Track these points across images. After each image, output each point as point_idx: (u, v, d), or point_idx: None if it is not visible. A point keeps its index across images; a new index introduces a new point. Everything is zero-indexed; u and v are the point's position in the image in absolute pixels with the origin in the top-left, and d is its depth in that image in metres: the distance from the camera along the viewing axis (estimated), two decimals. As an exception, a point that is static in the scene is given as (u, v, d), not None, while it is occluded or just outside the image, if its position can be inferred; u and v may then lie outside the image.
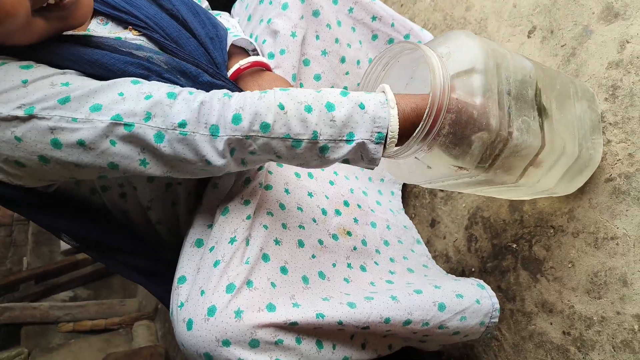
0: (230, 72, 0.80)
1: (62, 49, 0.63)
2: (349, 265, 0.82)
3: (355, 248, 0.85)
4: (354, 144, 0.60)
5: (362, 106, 0.60)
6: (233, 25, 0.90)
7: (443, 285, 0.79)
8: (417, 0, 1.29)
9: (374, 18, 0.99)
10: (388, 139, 0.60)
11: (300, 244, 0.76)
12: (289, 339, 0.63)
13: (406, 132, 0.60)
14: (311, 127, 0.60)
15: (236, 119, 0.59)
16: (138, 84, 0.61)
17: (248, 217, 0.70)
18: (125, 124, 0.58)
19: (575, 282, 0.79)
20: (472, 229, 1.02)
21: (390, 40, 1.02)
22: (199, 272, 0.66)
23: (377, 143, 0.60)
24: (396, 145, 0.62)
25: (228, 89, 0.72)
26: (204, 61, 0.75)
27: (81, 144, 0.57)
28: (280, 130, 0.60)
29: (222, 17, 0.97)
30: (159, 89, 0.61)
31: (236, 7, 1.05)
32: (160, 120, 0.59)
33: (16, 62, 0.59)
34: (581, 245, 0.79)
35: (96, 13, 0.73)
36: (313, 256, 0.77)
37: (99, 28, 0.72)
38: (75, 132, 0.57)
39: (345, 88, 0.99)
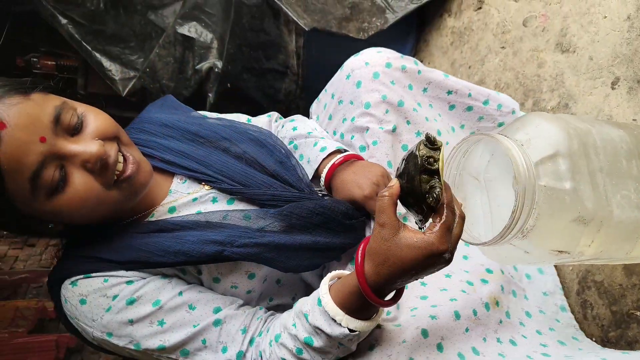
0: (325, 170, 0.87)
1: (148, 245, 0.73)
2: (498, 340, 0.76)
3: (500, 321, 0.79)
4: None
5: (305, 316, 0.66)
6: (313, 128, 0.96)
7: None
8: (485, 61, 1.29)
9: (449, 92, 0.99)
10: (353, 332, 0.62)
11: (457, 315, 0.74)
12: None
13: (360, 304, 0.62)
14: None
15: None
16: (219, 326, 0.73)
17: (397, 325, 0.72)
18: None
19: None
20: (585, 294, 0.95)
21: (469, 108, 1.01)
22: None
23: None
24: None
25: (295, 200, 0.80)
26: (274, 186, 0.82)
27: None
28: None
29: (297, 120, 1.03)
30: (237, 345, 0.72)
31: (313, 107, 1.11)
32: None
33: (121, 289, 0.71)
34: None
35: (177, 175, 0.85)
36: (467, 330, 0.74)
37: (179, 187, 0.84)
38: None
39: None
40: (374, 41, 1.35)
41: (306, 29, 1.23)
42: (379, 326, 0.71)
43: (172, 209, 0.81)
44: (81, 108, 0.70)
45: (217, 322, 0.73)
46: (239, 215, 0.78)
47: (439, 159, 0.55)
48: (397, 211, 0.59)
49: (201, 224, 0.76)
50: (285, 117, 1.07)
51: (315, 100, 1.09)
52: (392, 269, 0.56)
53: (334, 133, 0.99)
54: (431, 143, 0.56)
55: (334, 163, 0.86)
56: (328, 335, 0.63)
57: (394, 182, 0.58)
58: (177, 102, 0.99)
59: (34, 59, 1.73)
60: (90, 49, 1.32)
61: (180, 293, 0.73)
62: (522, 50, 1.16)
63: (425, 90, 0.98)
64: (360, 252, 0.61)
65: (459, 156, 0.73)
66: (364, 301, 0.60)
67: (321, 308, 0.64)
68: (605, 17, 0.94)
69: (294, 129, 1.00)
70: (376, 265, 0.58)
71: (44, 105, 0.64)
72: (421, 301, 0.76)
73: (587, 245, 0.61)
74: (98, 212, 0.70)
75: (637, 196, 0.62)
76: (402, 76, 0.94)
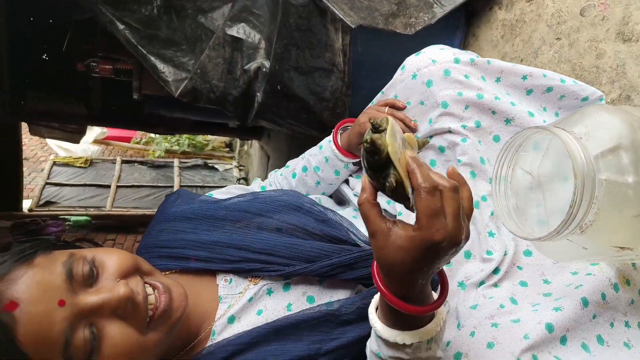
0: (332, 143, 1.02)
1: None
2: (626, 324, 0.71)
3: (632, 302, 0.72)
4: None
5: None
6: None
7: None
8: (539, 54, 1.25)
9: (524, 77, 0.92)
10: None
11: (584, 302, 0.69)
12: None
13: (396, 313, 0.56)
14: None
15: None
16: None
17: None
18: None
19: None
20: None
21: (549, 89, 0.92)
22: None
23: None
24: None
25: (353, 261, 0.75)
26: (326, 249, 0.77)
27: None
28: None
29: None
30: None
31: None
32: None
33: None
34: None
35: (219, 273, 0.80)
36: (594, 316, 0.69)
37: (227, 289, 0.78)
38: None
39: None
40: (421, 37, 1.34)
41: (353, 27, 1.23)
42: (495, 325, 0.68)
43: (231, 319, 0.76)
44: (90, 253, 0.65)
45: None
46: (311, 311, 0.73)
47: (382, 143, 0.48)
48: None
49: (271, 335, 0.71)
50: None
51: (370, 104, 1.06)
52: (401, 274, 0.51)
53: None
54: (376, 128, 0.49)
55: (333, 132, 1.01)
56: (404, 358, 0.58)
57: (364, 182, 0.53)
58: (190, 193, 0.94)
59: (93, 64, 1.83)
60: (145, 52, 1.38)
61: None
62: (579, 41, 1.11)
63: (498, 79, 0.93)
64: (374, 267, 0.56)
65: (512, 150, 0.71)
66: (402, 312, 0.54)
67: (380, 338, 0.59)
68: (672, 2, 0.89)
69: (287, 166, 1.12)
70: (388, 276, 0.52)
71: (51, 267, 0.60)
72: (544, 298, 0.72)
73: (653, 242, 0.58)
74: None
75: None
76: (472, 69, 0.90)
